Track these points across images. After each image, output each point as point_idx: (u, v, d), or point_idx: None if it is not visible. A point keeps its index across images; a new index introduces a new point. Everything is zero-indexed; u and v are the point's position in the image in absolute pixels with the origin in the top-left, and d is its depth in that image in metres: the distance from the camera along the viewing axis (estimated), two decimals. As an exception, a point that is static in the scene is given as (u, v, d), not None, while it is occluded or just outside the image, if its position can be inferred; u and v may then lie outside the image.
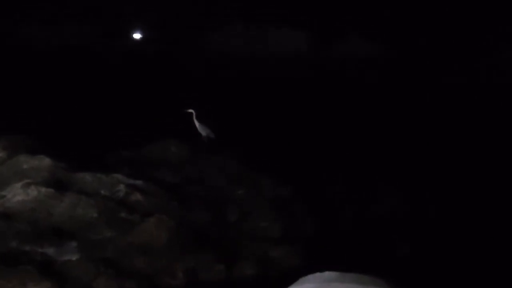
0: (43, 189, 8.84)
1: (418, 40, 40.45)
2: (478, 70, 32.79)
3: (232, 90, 24.58)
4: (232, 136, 13.97)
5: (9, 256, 7.46)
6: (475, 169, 13.42)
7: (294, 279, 5.56)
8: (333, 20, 45.15)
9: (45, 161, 9.83)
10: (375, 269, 5.64)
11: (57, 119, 16.35)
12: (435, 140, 16.39)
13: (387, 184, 12.03)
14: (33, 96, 20.47)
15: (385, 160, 13.91)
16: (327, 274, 5.32)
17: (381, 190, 11.71)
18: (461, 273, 8.69)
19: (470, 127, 17.77)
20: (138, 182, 9.84)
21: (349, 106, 22.09)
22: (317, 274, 5.36)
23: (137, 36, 49.55)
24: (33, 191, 8.76)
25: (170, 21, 46.72)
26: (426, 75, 33.14)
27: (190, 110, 13.08)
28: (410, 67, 36.25)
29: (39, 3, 44.43)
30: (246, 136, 14.78)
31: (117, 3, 47.09)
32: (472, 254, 9.40)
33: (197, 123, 13.05)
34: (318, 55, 42.10)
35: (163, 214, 8.69)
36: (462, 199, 11.52)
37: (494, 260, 9.15)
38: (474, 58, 36.20)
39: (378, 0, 43.44)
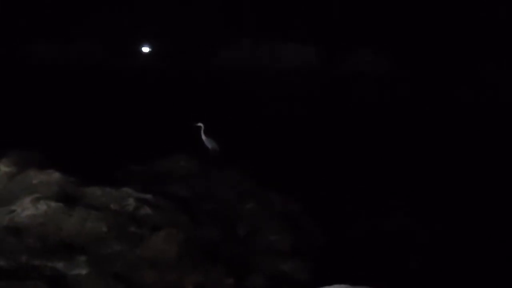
0: (53, 204, 8.83)
1: (428, 56, 40.52)
2: (487, 85, 32.77)
3: (241, 105, 24.67)
4: (241, 151, 14.00)
5: (19, 271, 7.45)
6: (485, 182, 13.43)
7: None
8: (342, 35, 45.24)
9: (54, 176, 9.85)
10: (385, 282, 5.62)
11: (67, 134, 16.45)
12: (446, 154, 16.37)
13: (397, 198, 12.05)
14: (43, 112, 20.61)
15: (395, 175, 13.89)
16: (336, 287, 5.31)
17: (392, 204, 11.71)
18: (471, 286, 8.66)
19: (479, 143, 17.76)
20: (148, 196, 9.80)
21: (359, 122, 22.10)
22: (327, 288, 5.36)
23: (146, 52, 49.83)
24: (42, 206, 8.75)
25: (179, 37, 46.97)
26: (437, 90, 33.15)
27: (199, 124, 13.29)
28: (420, 82, 36.26)
29: (50, 22, 44.82)
30: (254, 150, 14.81)
31: (127, 20, 47.42)
32: (482, 266, 9.37)
33: (204, 137, 13.26)
34: (327, 70, 42.17)
35: (173, 228, 8.64)
36: (474, 213, 11.50)
37: (504, 272, 9.12)
38: (484, 72, 36.19)
39: (387, 16, 43.59)
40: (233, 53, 47.42)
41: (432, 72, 38.58)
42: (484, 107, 25.76)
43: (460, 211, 11.53)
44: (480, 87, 32.47)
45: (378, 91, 33.62)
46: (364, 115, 24.37)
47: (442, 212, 11.53)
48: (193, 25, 48.34)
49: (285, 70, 42.26)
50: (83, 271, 7.64)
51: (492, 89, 31.85)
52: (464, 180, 13.72)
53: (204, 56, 45.74)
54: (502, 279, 8.85)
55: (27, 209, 8.72)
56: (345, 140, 18.17)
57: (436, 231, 10.67)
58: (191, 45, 47.34)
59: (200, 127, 13.29)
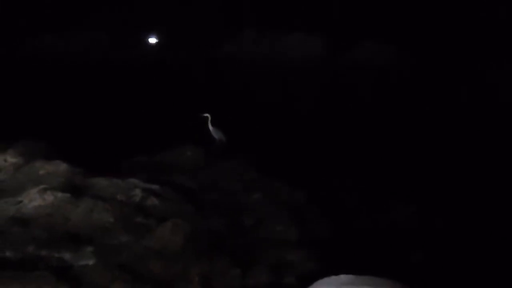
0: (59, 194, 8.85)
1: (435, 45, 40.40)
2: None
3: (246, 96, 24.68)
4: (247, 141, 14.02)
5: (26, 261, 7.47)
6: (491, 177, 13.50)
7: (310, 283, 5.55)
8: (349, 24, 45.03)
9: (61, 167, 9.88)
10: (389, 273, 5.64)
11: (73, 125, 16.50)
12: (452, 148, 16.38)
13: (402, 191, 12.07)
14: (49, 103, 20.66)
15: (400, 167, 13.90)
16: (342, 277, 5.32)
17: (396, 196, 11.70)
18: (472, 279, 8.72)
19: (482, 140, 17.72)
20: (154, 187, 9.83)
21: (365, 113, 22.06)
22: (333, 277, 5.37)
23: (152, 43, 49.77)
24: (49, 197, 8.77)
25: (184, 29, 46.87)
26: (444, 82, 33.01)
27: (206, 115, 13.34)
28: (428, 72, 36.11)
29: (56, 13, 44.83)
30: (260, 141, 14.83)
31: (130, 12, 47.35)
32: (483, 259, 9.42)
33: (211, 127, 13.31)
34: (333, 61, 42.00)
35: (179, 218, 8.65)
36: (474, 208, 11.51)
37: (506, 266, 9.16)
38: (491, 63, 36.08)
39: (394, 5, 43.46)
40: (237, 44, 47.29)
41: (439, 65, 38.43)
42: (486, 105, 25.65)
43: (460, 207, 11.53)
44: (483, 86, 32.36)
45: (385, 82, 33.53)
46: (370, 107, 24.32)
47: (442, 207, 11.53)
48: (197, 17, 48.24)
49: (290, 61, 42.11)
50: (90, 262, 7.66)
51: (493, 88, 31.74)
52: (466, 175, 13.75)
53: (209, 48, 45.67)
54: (502, 272, 8.91)
55: (34, 200, 8.74)
56: (351, 132, 18.13)
57: (436, 226, 10.68)
58: (195, 37, 47.27)
59: (207, 117, 13.34)
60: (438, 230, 10.49)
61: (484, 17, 41.01)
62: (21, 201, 8.81)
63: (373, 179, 12.99)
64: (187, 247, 8.24)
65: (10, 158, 10.30)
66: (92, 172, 10.08)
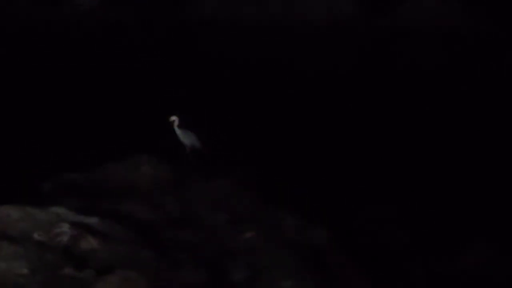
0: None
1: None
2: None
3: (244, 80, 24.71)
4: (235, 149, 13.89)
5: None
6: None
7: None
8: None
9: None
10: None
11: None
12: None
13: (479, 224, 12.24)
14: None
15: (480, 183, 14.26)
16: None
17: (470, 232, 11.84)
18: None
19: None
20: (92, 220, 9.73)
21: (415, 101, 22.18)
22: None
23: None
24: None
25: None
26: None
27: (173, 118, 13.44)
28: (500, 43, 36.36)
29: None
30: (256, 148, 14.72)
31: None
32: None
33: (178, 131, 13.41)
34: (370, 25, 42.19)
35: (131, 270, 8.50)
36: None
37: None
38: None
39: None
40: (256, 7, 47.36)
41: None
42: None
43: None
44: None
45: (439, 53, 33.68)
46: (416, 84, 24.48)
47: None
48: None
49: (310, 25, 42.29)
50: None
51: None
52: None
53: (183, 7, 45.74)
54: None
55: None
56: (396, 132, 18.10)
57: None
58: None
59: (173, 121, 13.46)
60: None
61: None
62: None
63: (432, 204, 13.00)
64: (144, 316, 8.08)
65: None
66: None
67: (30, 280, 8.30)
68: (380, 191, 13.53)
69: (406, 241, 11.42)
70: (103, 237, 9.36)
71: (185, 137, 13.44)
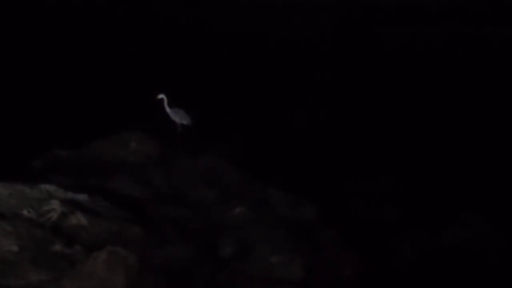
0: None
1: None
2: None
3: (231, 58, 24.64)
4: (225, 126, 13.94)
5: None
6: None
7: None
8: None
9: None
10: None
11: None
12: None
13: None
14: None
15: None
16: None
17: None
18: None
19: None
20: (81, 197, 9.78)
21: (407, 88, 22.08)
22: None
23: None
24: None
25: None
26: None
27: (161, 96, 13.52)
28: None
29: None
30: (246, 125, 14.76)
31: None
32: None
33: (168, 109, 13.55)
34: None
35: (120, 246, 8.49)
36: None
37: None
38: None
39: None
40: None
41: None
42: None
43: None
44: None
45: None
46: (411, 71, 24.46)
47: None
48: None
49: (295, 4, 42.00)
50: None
51: None
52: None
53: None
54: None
55: None
56: (382, 111, 18.11)
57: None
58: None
59: (162, 99, 13.52)
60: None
61: None
62: None
63: (419, 179, 13.06)
64: (133, 291, 8.13)
65: None
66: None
67: (19, 256, 8.33)
68: (368, 167, 13.54)
69: (394, 215, 11.43)
70: (92, 214, 9.39)
71: (175, 113, 13.57)
